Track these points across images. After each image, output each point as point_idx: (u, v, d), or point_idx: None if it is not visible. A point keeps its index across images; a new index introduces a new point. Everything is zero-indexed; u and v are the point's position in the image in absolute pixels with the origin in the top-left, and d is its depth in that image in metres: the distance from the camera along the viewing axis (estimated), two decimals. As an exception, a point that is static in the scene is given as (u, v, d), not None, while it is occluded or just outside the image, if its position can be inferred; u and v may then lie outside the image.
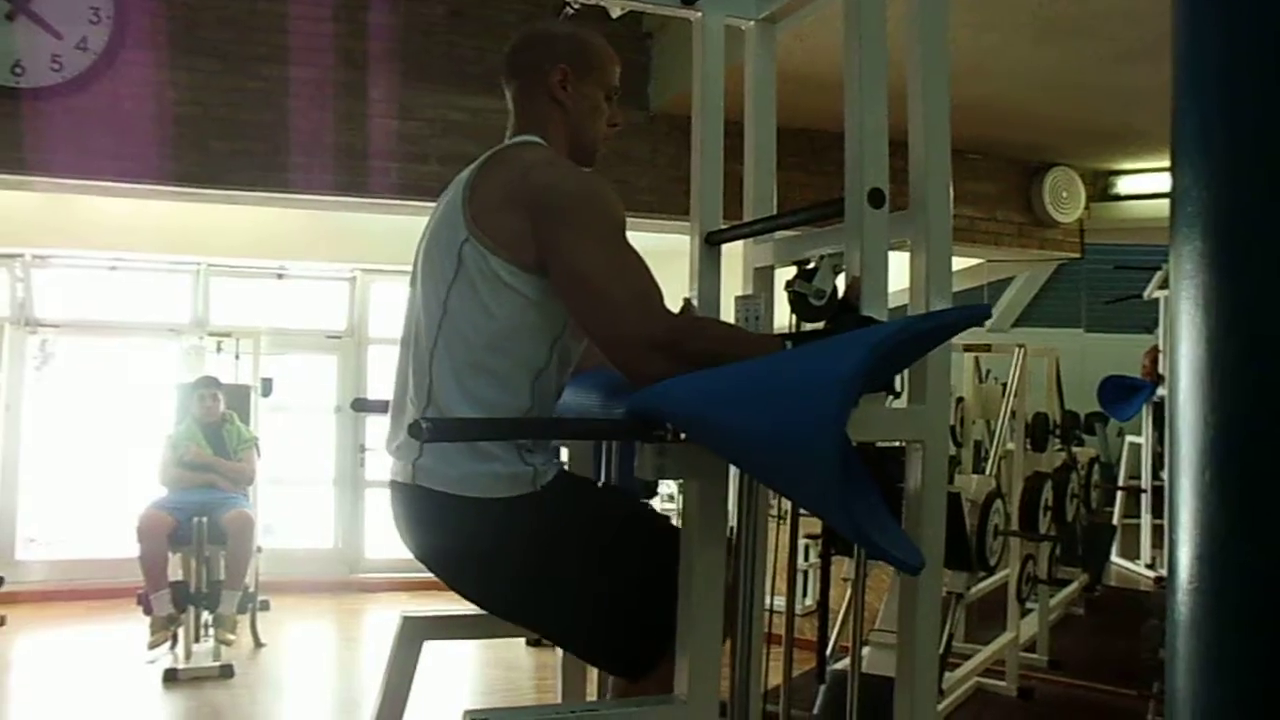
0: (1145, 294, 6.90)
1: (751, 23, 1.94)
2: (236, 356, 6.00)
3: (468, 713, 1.37)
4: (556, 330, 1.62)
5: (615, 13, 1.99)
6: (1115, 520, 6.80)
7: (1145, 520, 6.77)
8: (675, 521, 1.73)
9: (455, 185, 1.69)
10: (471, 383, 1.58)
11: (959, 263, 6.54)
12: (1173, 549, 1.30)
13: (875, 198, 1.49)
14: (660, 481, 1.83)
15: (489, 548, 1.58)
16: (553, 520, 1.59)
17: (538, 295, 1.58)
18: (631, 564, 1.63)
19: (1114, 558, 6.66)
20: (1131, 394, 6.44)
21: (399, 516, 1.71)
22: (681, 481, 1.57)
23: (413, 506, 1.66)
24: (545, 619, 1.70)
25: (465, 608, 1.76)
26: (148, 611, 4.57)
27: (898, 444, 1.64)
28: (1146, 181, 5.87)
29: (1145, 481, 6.75)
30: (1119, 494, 6.92)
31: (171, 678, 4.35)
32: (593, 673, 2.05)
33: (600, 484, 1.89)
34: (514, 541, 1.57)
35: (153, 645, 4.56)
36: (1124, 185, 6.03)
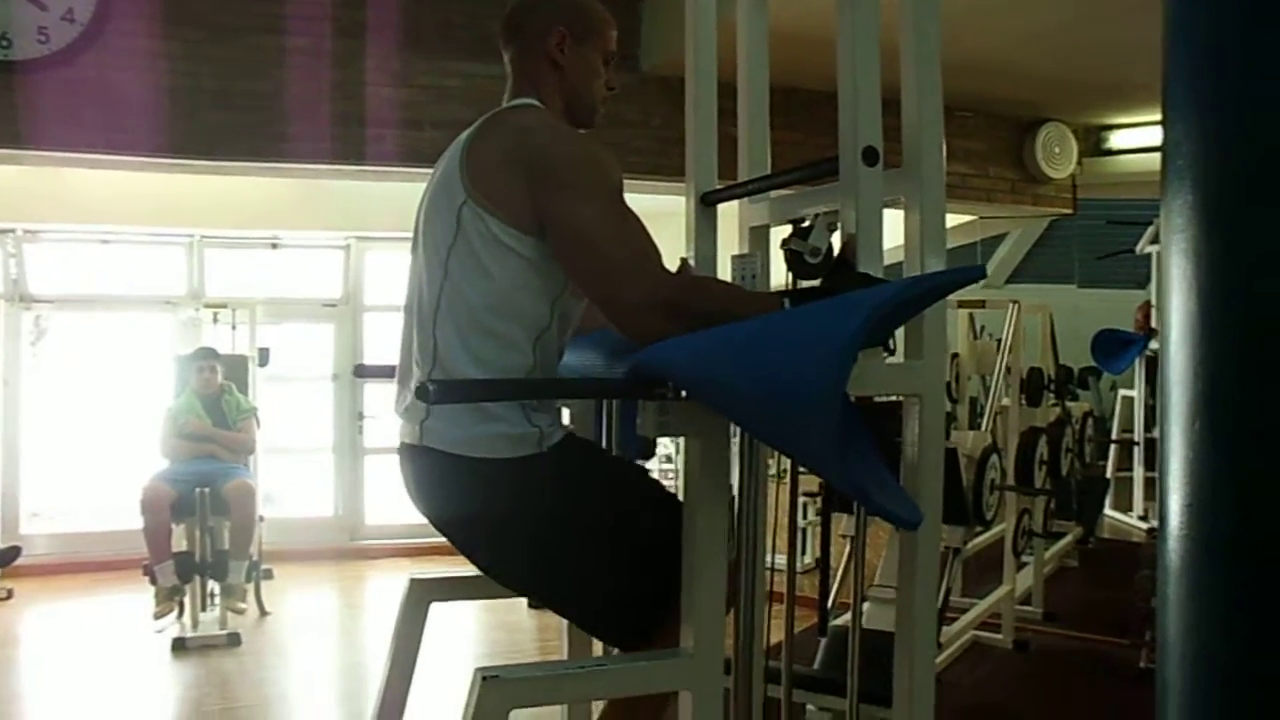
0: (1137, 249, 6.93)
1: (743, -16, 1.94)
2: (233, 327, 6.01)
3: (479, 670, 1.40)
4: (556, 290, 1.63)
5: (608, -24, 1.98)
6: (1108, 473, 6.88)
7: (1138, 473, 6.85)
8: (675, 486, 1.75)
9: (453, 149, 1.70)
10: (475, 343, 1.60)
11: (951, 219, 6.52)
12: (1163, 497, 1.33)
13: (869, 156, 1.50)
14: (659, 442, 1.86)
15: (495, 508, 1.61)
16: (558, 482, 1.62)
17: (536, 256, 1.60)
18: (634, 530, 1.65)
19: (1107, 510, 6.74)
20: (1124, 348, 6.49)
21: (408, 478, 1.73)
22: (683, 439, 1.59)
23: (421, 468, 1.68)
24: (546, 584, 1.72)
25: (470, 569, 1.79)
26: (153, 582, 4.62)
27: (895, 399, 1.66)
28: (1140, 135, 5.86)
29: (1138, 434, 6.82)
30: (1112, 447, 6.99)
31: (180, 646, 4.41)
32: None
33: (605, 448, 1.92)
34: (519, 502, 1.60)
35: (158, 615, 4.62)
36: (1117, 139, 6.02)
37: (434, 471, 1.66)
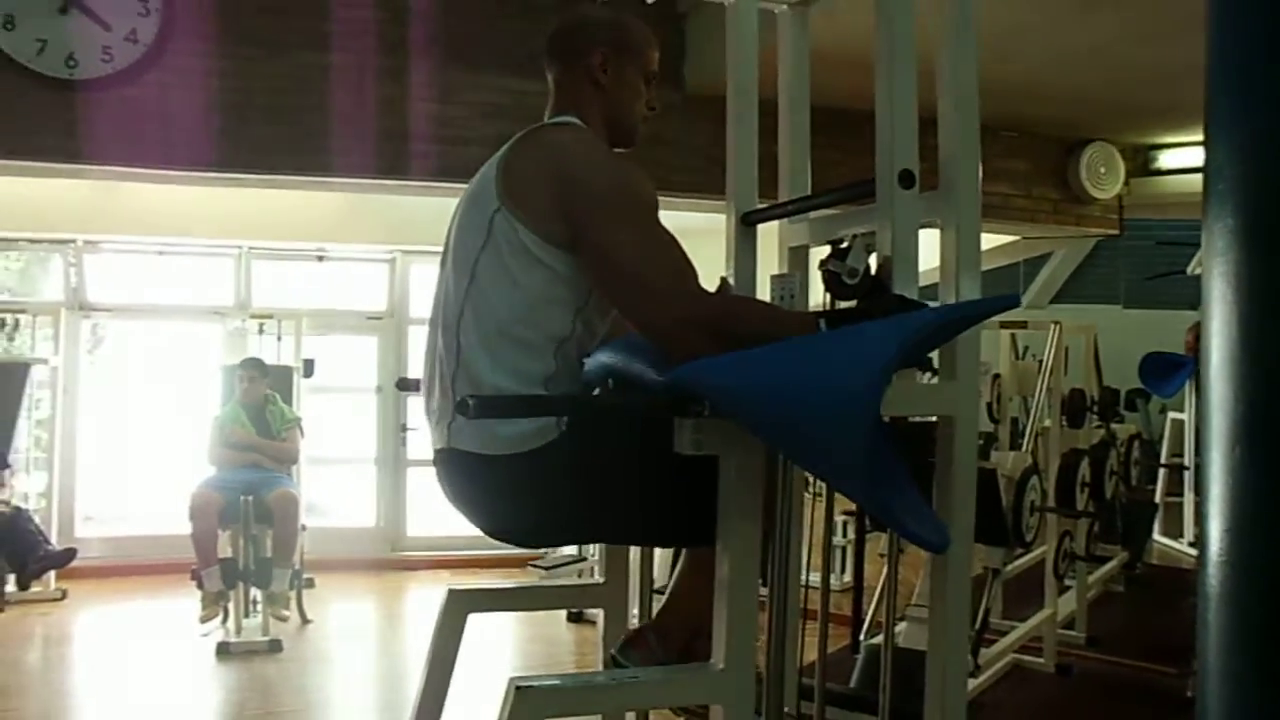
0: (1189, 269, 6.80)
1: (784, 7, 1.96)
2: (279, 338, 6.10)
3: (513, 679, 1.42)
4: (580, 302, 1.66)
5: (651, -2, 2.02)
6: (1157, 498, 6.74)
7: (1188, 498, 6.70)
8: None
9: (490, 162, 1.74)
10: (499, 349, 1.64)
11: (995, 239, 6.48)
12: (1204, 523, 1.33)
13: (905, 179, 1.52)
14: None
15: (527, 496, 1.64)
16: (580, 450, 1.63)
17: (564, 269, 1.62)
18: (662, 457, 1.59)
19: (1156, 535, 6.62)
20: (1174, 370, 6.38)
21: (442, 481, 1.77)
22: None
23: (452, 471, 1.72)
24: (600, 532, 1.86)
25: (509, 580, 1.81)
26: (200, 587, 4.72)
27: (930, 419, 1.67)
28: (1190, 155, 5.77)
29: (1188, 459, 6.67)
30: (1161, 471, 6.85)
31: (224, 651, 4.49)
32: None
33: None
34: (550, 481, 1.63)
35: (204, 619, 4.71)
36: (1166, 159, 5.94)
37: (462, 472, 1.70)
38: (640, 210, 1.61)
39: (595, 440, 1.65)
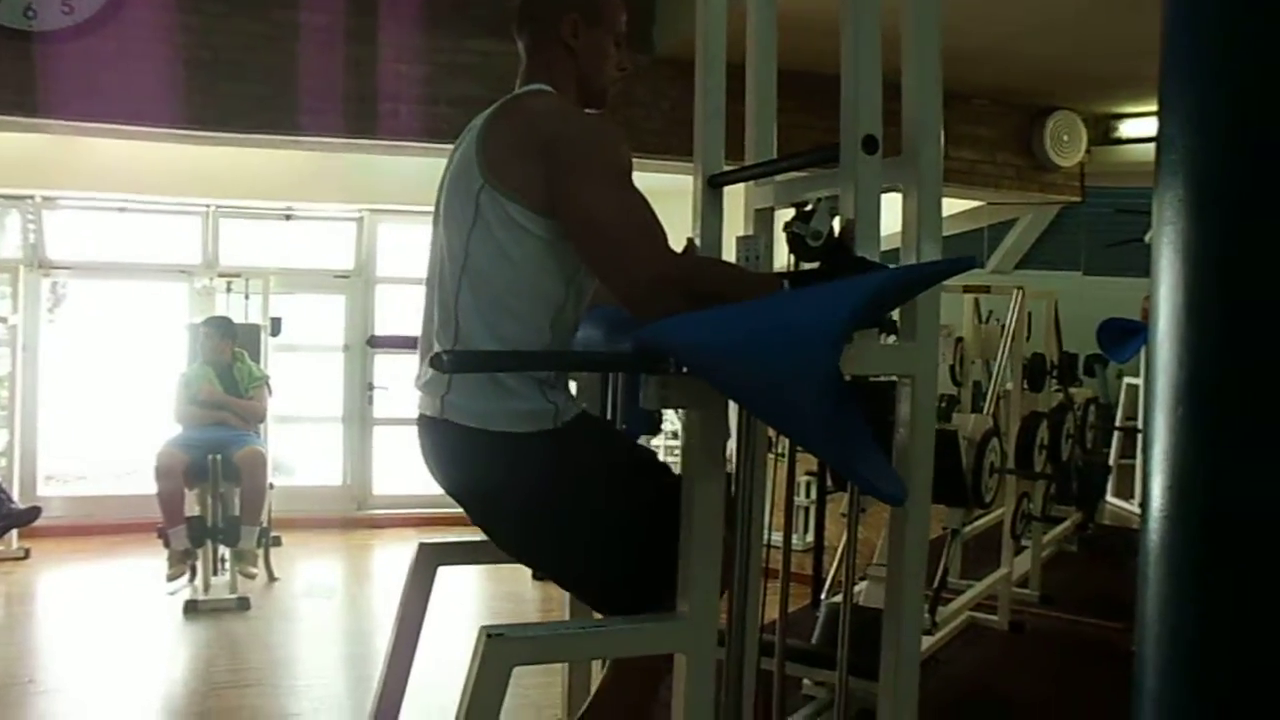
0: (1146, 237, 6.91)
1: (754, -29, 1.98)
2: (246, 296, 6.08)
3: (484, 628, 1.46)
4: (571, 269, 1.69)
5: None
6: (1112, 460, 6.91)
7: (1140, 460, 6.86)
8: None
9: (468, 133, 1.76)
10: (495, 321, 1.67)
11: (960, 205, 6.56)
12: (1147, 479, 1.39)
13: (869, 144, 1.55)
14: (664, 420, 1.91)
15: (509, 481, 1.67)
16: (571, 459, 1.67)
17: (553, 236, 1.66)
18: (641, 513, 1.70)
19: (1108, 497, 6.79)
20: (1130, 336, 6.49)
21: (426, 450, 1.79)
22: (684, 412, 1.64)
23: (440, 440, 1.75)
24: (550, 558, 1.78)
25: (477, 535, 1.85)
26: (167, 545, 4.71)
27: (890, 379, 1.72)
28: (1150, 125, 5.85)
29: (1141, 422, 6.82)
30: (1116, 434, 7.01)
31: (191, 609, 4.51)
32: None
33: (618, 427, 1.97)
34: (533, 476, 1.66)
35: (171, 578, 4.71)
36: (1127, 129, 6.03)
37: (453, 445, 1.72)
38: (614, 172, 1.64)
39: (584, 444, 1.69)
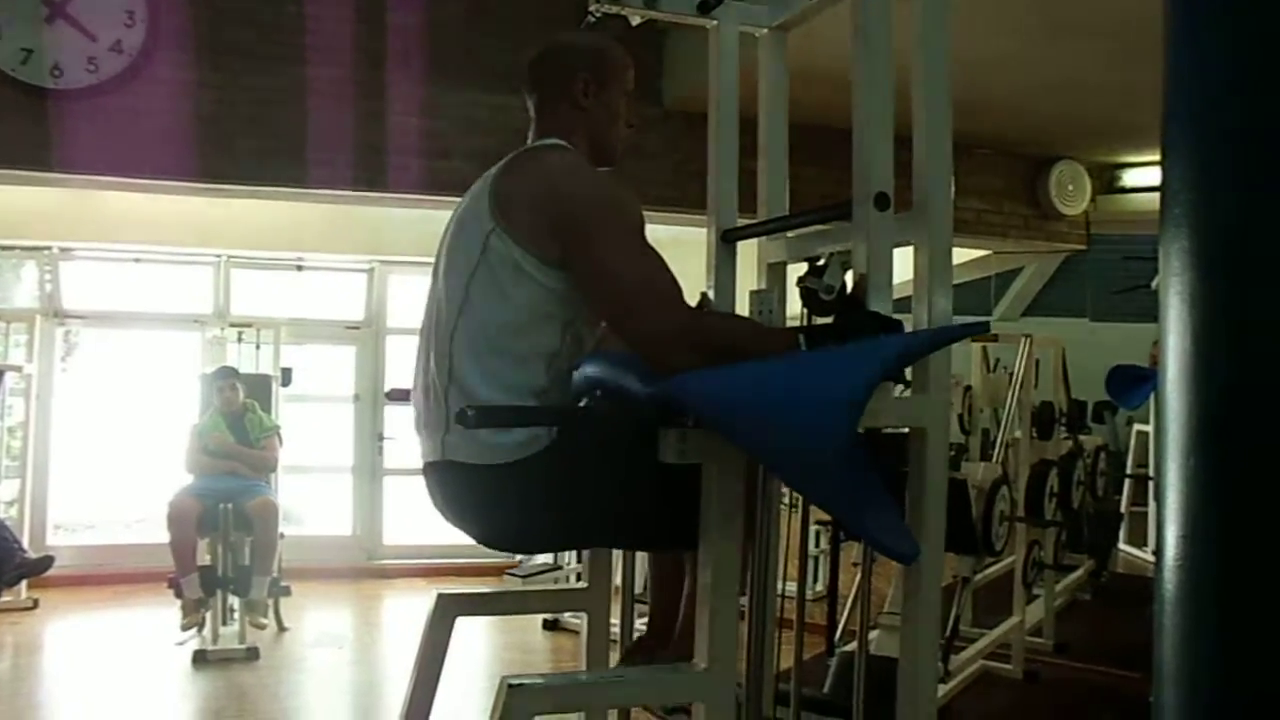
0: (1153, 284, 6.93)
1: (765, 30, 2.03)
2: (257, 346, 6.12)
3: (505, 678, 1.48)
4: (569, 317, 1.71)
5: (635, 21, 2.08)
6: (1123, 507, 6.87)
7: (1152, 508, 6.82)
8: None
9: (481, 184, 1.79)
10: (490, 363, 1.69)
11: (968, 254, 6.60)
12: (1160, 529, 1.40)
13: (880, 201, 1.59)
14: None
15: (522, 503, 1.69)
16: (572, 456, 1.68)
17: (556, 285, 1.68)
18: (649, 464, 1.63)
19: (1121, 545, 6.74)
20: (1139, 383, 6.49)
21: (434, 494, 1.81)
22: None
23: (446, 481, 1.77)
24: (588, 536, 1.89)
25: (494, 586, 1.86)
26: (179, 595, 4.71)
27: (903, 430, 1.73)
28: (1153, 174, 5.92)
29: (1153, 469, 6.79)
30: (1126, 481, 6.98)
31: (200, 659, 4.49)
32: (614, 649, 2.17)
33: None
34: (539, 487, 1.68)
35: (185, 627, 4.70)
36: (1130, 178, 6.10)
37: (456, 484, 1.74)
38: (629, 231, 1.68)
39: (583, 448, 1.70)
